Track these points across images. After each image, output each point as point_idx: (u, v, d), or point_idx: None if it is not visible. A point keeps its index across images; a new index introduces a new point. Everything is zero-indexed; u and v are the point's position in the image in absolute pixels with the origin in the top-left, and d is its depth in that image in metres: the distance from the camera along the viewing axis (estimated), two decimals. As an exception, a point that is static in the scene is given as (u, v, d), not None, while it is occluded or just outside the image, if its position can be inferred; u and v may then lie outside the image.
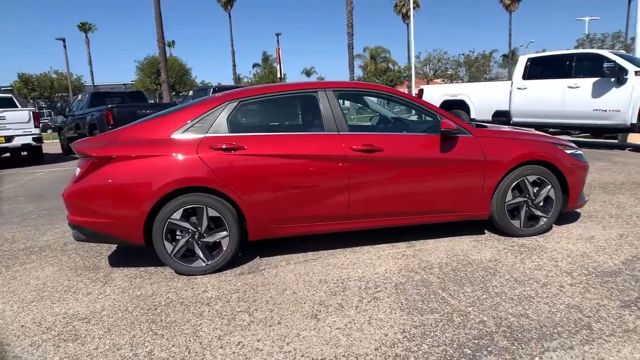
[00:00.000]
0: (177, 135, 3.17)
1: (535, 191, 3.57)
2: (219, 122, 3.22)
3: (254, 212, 3.18)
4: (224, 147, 3.14)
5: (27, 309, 2.75)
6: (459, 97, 10.78)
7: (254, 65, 54.25)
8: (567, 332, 2.18)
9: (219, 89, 9.92)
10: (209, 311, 2.60)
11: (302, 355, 2.10)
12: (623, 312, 2.34)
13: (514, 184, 3.51)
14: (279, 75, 28.48)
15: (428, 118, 3.53)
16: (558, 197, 3.60)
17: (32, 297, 2.93)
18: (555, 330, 2.19)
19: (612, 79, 7.81)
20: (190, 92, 14.50)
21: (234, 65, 52.76)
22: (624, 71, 7.55)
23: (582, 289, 2.63)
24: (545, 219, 3.63)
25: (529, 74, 9.31)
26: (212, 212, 3.12)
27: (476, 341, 2.14)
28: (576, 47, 33.51)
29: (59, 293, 2.98)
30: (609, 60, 7.80)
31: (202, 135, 3.17)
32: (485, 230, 3.82)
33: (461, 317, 2.36)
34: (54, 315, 2.64)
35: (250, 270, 3.22)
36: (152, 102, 28.06)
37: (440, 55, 39.15)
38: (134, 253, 3.66)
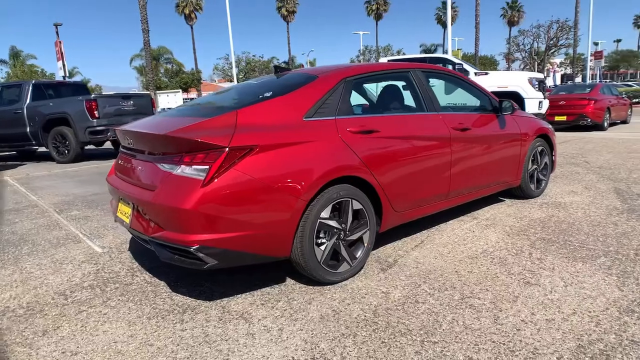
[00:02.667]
0: (311, 119, 2.56)
1: (539, 160, 4.37)
2: (343, 102, 2.75)
3: (389, 199, 2.86)
4: (362, 130, 2.71)
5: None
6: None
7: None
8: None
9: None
10: (426, 306, 2.25)
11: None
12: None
13: (532, 154, 4.22)
14: (62, 74, 23.38)
15: (483, 99, 3.85)
16: (550, 162, 4.51)
17: None
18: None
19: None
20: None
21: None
22: (467, 72, 9.65)
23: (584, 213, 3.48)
24: (544, 182, 4.48)
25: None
26: (356, 205, 2.65)
27: None
28: (358, 56, 39.92)
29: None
30: (457, 63, 9.80)
31: (333, 118, 2.65)
32: (503, 198, 4.43)
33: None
34: None
35: (386, 265, 2.88)
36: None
37: (250, 58, 39.86)
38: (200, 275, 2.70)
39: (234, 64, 25.14)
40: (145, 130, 2.49)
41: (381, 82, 3.31)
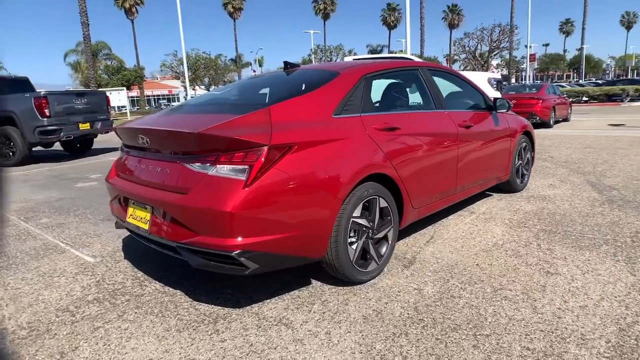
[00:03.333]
0: (339, 116, 2.51)
1: (524, 155, 4.59)
2: (365, 99, 2.73)
3: (409, 196, 2.87)
4: (386, 127, 2.70)
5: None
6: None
7: None
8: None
9: None
10: (463, 301, 2.28)
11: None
12: None
13: (518, 150, 4.42)
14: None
15: (478, 97, 3.96)
16: (531, 158, 4.76)
17: None
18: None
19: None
20: None
21: None
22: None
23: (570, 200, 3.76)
24: (527, 176, 4.72)
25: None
26: (382, 203, 2.63)
27: None
28: (309, 55, 40.09)
29: None
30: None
31: (358, 115, 2.62)
32: (490, 193, 4.61)
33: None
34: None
35: (407, 262, 2.88)
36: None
37: (200, 55, 38.43)
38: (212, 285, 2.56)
39: (185, 61, 24.23)
40: (169, 128, 2.30)
41: (395, 79, 3.31)
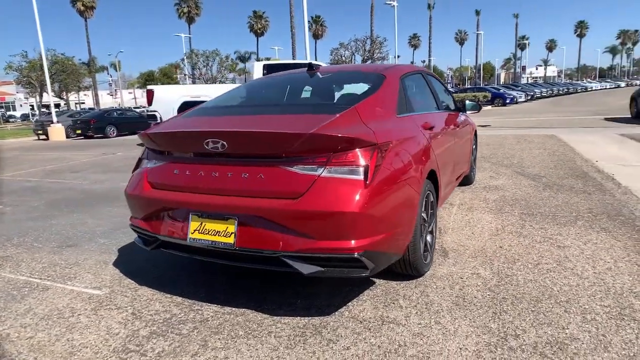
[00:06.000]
0: (400, 115, 2.62)
1: (474, 151, 5.24)
2: (407, 100, 2.91)
3: (440, 190, 3.10)
4: (429, 126, 2.90)
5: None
6: (202, 99, 10.76)
7: None
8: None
9: None
10: (520, 277, 2.60)
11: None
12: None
13: (473, 146, 5.03)
14: None
15: (451, 99, 4.38)
16: (475, 153, 5.44)
17: None
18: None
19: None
20: None
21: None
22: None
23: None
24: (475, 169, 5.38)
25: (267, 79, 10.77)
26: (431, 197, 2.82)
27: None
28: (183, 60, 38.31)
29: None
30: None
31: (410, 115, 2.77)
32: (445, 186, 5.13)
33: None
34: None
35: (440, 253, 3.11)
36: None
37: (58, 57, 33.25)
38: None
39: (45, 63, 20.93)
40: (266, 130, 2.11)
41: (414, 82, 3.50)
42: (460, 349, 1.95)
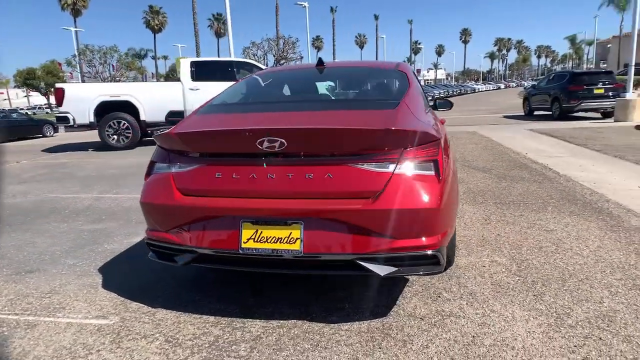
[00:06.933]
0: (427, 111, 2.67)
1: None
2: (424, 97, 2.98)
3: None
4: (444, 123, 2.99)
5: None
6: (123, 98, 9.79)
7: None
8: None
9: None
10: (536, 261, 2.82)
11: None
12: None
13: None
14: None
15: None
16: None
17: None
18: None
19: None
20: None
21: None
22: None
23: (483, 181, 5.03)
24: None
25: (197, 76, 10.17)
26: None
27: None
28: (74, 56, 34.69)
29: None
30: (261, 68, 10.28)
31: (429, 110, 2.85)
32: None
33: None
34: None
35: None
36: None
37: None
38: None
39: None
40: (331, 126, 1.96)
41: None
42: (529, 332, 2.04)
